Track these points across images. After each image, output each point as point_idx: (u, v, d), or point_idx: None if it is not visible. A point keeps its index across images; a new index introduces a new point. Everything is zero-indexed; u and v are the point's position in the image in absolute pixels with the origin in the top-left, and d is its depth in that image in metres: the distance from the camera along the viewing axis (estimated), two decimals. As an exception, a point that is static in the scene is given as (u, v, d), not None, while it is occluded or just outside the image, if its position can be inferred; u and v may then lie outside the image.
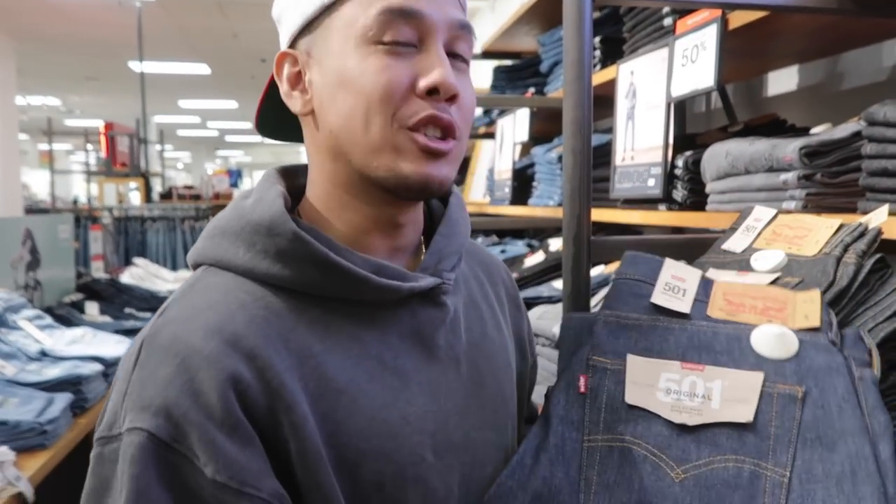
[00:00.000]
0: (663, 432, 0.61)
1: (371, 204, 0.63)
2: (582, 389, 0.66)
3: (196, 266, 0.64)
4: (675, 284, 0.70)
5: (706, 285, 0.69)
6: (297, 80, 0.64)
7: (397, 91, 0.59)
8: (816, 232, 0.80)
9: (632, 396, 0.64)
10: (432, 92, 0.59)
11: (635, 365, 0.65)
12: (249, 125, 15.30)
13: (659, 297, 0.69)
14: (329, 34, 0.61)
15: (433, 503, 0.61)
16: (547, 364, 1.31)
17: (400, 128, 0.59)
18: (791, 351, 0.62)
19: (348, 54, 0.60)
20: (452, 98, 0.60)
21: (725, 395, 0.61)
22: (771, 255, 0.81)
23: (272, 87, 0.70)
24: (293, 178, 0.70)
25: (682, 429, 0.61)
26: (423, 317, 0.64)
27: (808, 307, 0.65)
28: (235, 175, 12.31)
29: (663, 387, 0.63)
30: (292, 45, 0.65)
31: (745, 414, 0.60)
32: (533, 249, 1.96)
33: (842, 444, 0.57)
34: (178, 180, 18.93)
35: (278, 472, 0.54)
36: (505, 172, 2.31)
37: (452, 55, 0.62)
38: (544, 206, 1.98)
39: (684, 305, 0.68)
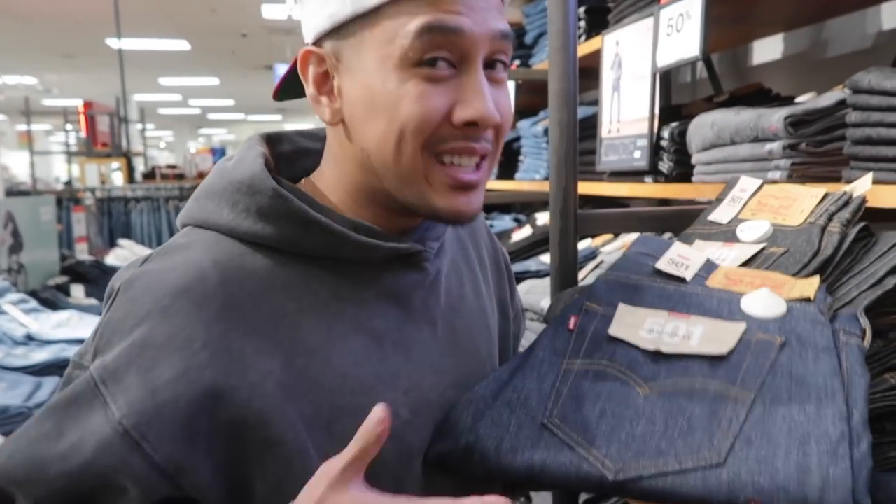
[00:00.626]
0: (638, 358, 0.65)
1: (387, 211, 0.64)
2: (570, 327, 0.69)
3: (183, 227, 0.65)
4: (679, 261, 0.73)
5: (710, 267, 0.72)
6: (323, 81, 0.62)
7: (433, 121, 0.57)
8: (801, 201, 0.80)
9: (615, 331, 0.67)
10: (471, 124, 0.58)
11: (625, 311, 0.69)
12: (232, 102, 15.10)
13: (663, 265, 0.73)
14: (363, 46, 0.58)
15: (409, 458, 0.62)
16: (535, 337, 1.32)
17: (431, 156, 0.59)
18: (778, 312, 0.65)
19: (385, 74, 0.57)
20: (493, 127, 0.60)
21: (705, 336, 0.64)
22: (756, 226, 0.81)
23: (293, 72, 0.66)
24: (276, 144, 0.70)
25: (657, 355, 0.64)
26: (404, 279, 0.65)
27: (806, 287, 0.67)
28: (219, 153, 12.16)
29: (647, 327, 0.67)
30: (317, 41, 0.61)
31: (720, 348, 0.62)
32: (520, 224, 1.96)
33: (812, 380, 0.59)
34: (161, 159, 18.69)
35: (232, 432, 0.54)
36: (491, 146, 2.29)
37: (492, 64, 0.60)
38: (531, 179, 1.98)
39: (685, 275, 0.72)
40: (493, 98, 0.59)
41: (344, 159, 0.63)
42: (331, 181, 0.65)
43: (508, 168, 2.20)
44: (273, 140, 0.70)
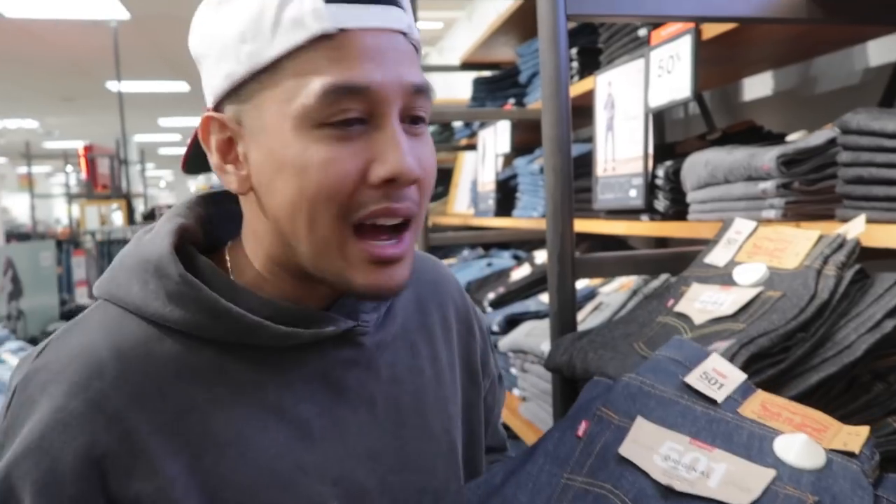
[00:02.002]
0: (646, 490, 0.57)
1: (308, 282, 0.58)
2: (580, 433, 0.63)
3: (97, 297, 0.60)
4: (713, 377, 0.65)
5: (747, 390, 0.64)
6: (228, 148, 0.57)
7: (348, 184, 0.52)
8: (796, 244, 0.81)
9: (627, 450, 0.60)
10: (390, 181, 0.53)
11: (642, 427, 0.62)
12: (231, 140, 15.22)
13: (693, 380, 0.65)
14: (263, 107, 0.53)
15: None
16: (536, 381, 1.32)
17: (348, 227, 0.54)
18: (815, 464, 0.56)
19: (288, 137, 0.52)
20: (413, 181, 0.54)
21: (726, 479, 0.56)
22: (752, 269, 0.82)
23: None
24: (221, 203, 0.65)
25: (668, 492, 0.57)
26: (333, 359, 0.60)
27: (851, 438, 0.59)
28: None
29: (663, 453, 0.59)
30: (217, 106, 0.57)
31: (741, 499, 0.54)
32: (519, 262, 1.96)
33: None
34: (161, 199, 18.80)
35: None
36: (488, 184, 2.32)
37: (411, 119, 0.56)
38: (528, 217, 1.99)
39: (717, 395, 0.63)
40: (414, 152, 0.54)
41: (258, 229, 0.58)
42: (250, 249, 0.60)
43: (506, 205, 2.21)
44: (218, 198, 0.65)
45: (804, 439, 0.57)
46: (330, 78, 0.51)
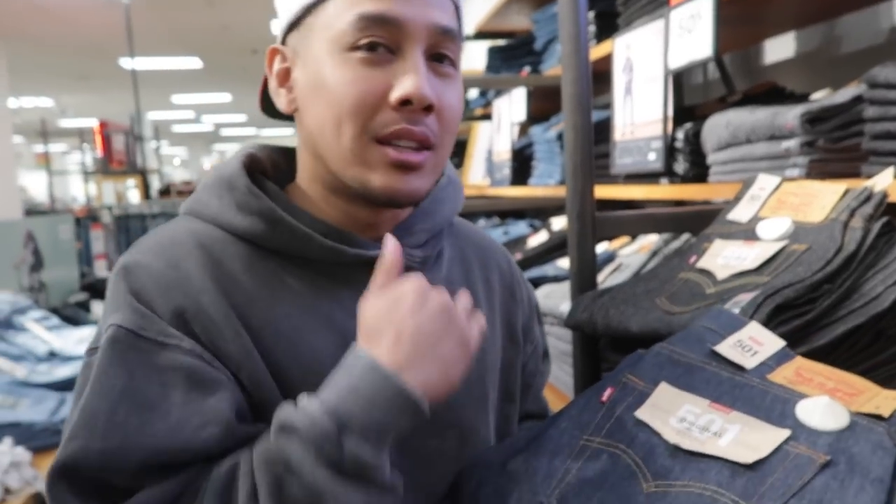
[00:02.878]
0: (656, 449, 0.59)
1: (349, 202, 0.65)
2: (604, 399, 0.65)
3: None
4: (748, 345, 0.65)
5: (784, 356, 0.64)
6: (285, 77, 0.65)
7: (369, 103, 0.59)
8: (822, 198, 0.80)
9: (643, 413, 0.62)
10: (406, 103, 0.59)
11: (664, 391, 0.63)
12: (244, 118, 15.23)
13: (724, 348, 0.65)
14: (311, 34, 0.61)
15: None
16: (555, 342, 1.32)
17: (371, 139, 0.60)
18: (836, 425, 0.55)
19: (325, 59, 0.60)
20: (429, 108, 0.60)
21: (738, 438, 0.57)
22: (777, 223, 0.81)
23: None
24: (281, 154, 0.73)
25: (676, 450, 0.58)
26: None
27: (885, 402, 0.57)
28: (232, 168, 12.24)
29: (680, 415, 0.60)
30: (283, 40, 0.65)
31: (747, 457, 0.55)
32: (535, 229, 1.96)
33: None
34: (176, 176, 18.88)
35: (238, 380, 0.58)
36: (504, 153, 2.30)
37: (437, 58, 0.61)
38: (545, 185, 1.98)
39: (747, 362, 0.63)
40: (436, 88, 0.60)
41: (302, 148, 0.67)
42: (301, 176, 0.68)
43: (522, 174, 2.20)
44: (280, 150, 0.73)
45: (826, 401, 0.56)
46: (363, 8, 0.58)
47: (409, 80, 0.58)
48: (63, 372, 1.88)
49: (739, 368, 0.63)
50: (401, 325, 0.56)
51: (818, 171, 1.03)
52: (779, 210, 0.84)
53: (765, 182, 0.89)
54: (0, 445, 1.40)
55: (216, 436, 0.55)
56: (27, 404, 1.65)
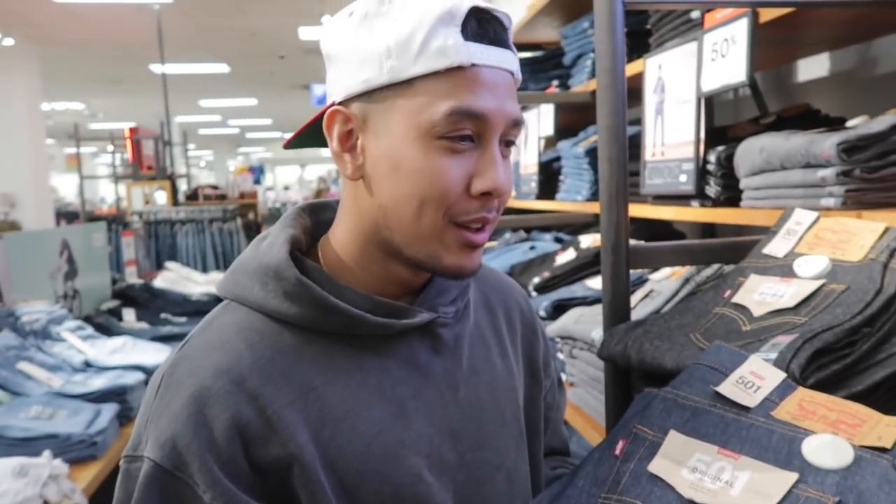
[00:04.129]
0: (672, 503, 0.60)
1: (391, 265, 0.67)
2: (617, 452, 0.66)
3: (221, 298, 0.70)
4: (750, 380, 0.67)
5: (786, 389, 0.65)
6: (347, 139, 0.66)
7: (454, 192, 0.62)
8: (861, 236, 0.79)
9: (656, 466, 0.63)
10: (486, 194, 0.63)
11: (674, 440, 0.64)
12: (269, 121, 15.38)
13: (726, 388, 0.66)
14: (392, 112, 0.62)
15: None
16: (585, 367, 1.32)
17: (449, 223, 0.63)
18: (841, 463, 0.56)
19: (409, 141, 0.62)
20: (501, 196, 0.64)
21: (748, 486, 0.58)
22: (814, 261, 0.81)
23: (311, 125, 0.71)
24: (318, 213, 0.75)
25: None
26: (421, 348, 0.69)
27: (887, 431, 0.58)
28: (258, 171, 12.40)
29: (691, 465, 0.61)
30: (345, 101, 0.65)
31: None
32: (564, 246, 1.96)
33: None
34: (202, 178, 19.11)
35: (283, 496, 0.60)
36: (530, 167, 2.30)
37: (505, 143, 0.65)
38: (572, 200, 1.98)
39: (750, 401, 0.65)
40: (505, 171, 0.64)
41: (358, 213, 0.67)
42: (343, 237, 0.69)
43: (549, 188, 2.20)
44: (317, 208, 0.75)
45: (830, 439, 0.58)
46: (456, 102, 0.61)
47: (491, 174, 0.62)
48: (97, 383, 1.92)
49: (743, 408, 0.64)
50: None
51: (855, 200, 1.02)
52: (816, 247, 0.83)
53: (801, 217, 0.88)
54: (39, 458, 1.44)
55: None
56: (63, 416, 1.69)
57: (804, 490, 0.56)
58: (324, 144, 0.74)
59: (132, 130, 6.41)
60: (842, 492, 0.54)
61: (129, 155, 6.58)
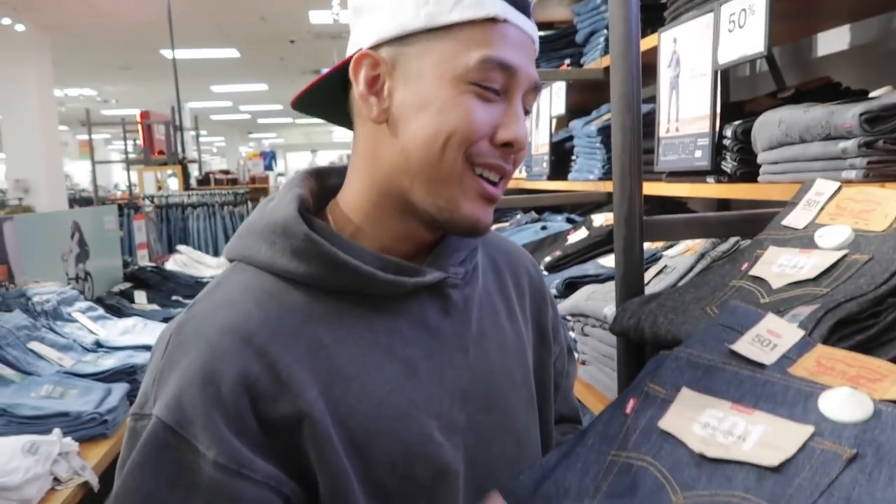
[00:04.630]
0: (682, 459, 0.59)
1: (403, 223, 0.67)
2: (628, 411, 0.66)
3: (230, 260, 0.70)
4: (767, 338, 0.65)
5: (804, 346, 0.63)
6: (373, 83, 0.65)
7: (480, 135, 0.63)
8: (885, 205, 0.77)
9: (666, 423, 0.62)
10: (507, 144, 0.64)
11: (686, 397, 0.63)
12: (280, 107, 15.38)
13: (742, 346, 0.65)
14: (424, 57, 0.63)
15: (441, 479, 0.65)
16: (597, 345, 1.30)
17: (469, 166, 0.64)
18: (860, 416, 0.54)
19: (442, 85, 0.63)
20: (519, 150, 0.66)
21: (762, 440, 0.56)
22: (836, 231, 0.78)
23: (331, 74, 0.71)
24: (324, 178, 0.74)
25: (702, 459, 0.58)
26: (431, 308, 0.68)
27: None
28: (269, 157, 12.41)
29: (703, 421, 0.60)
30: (375, 46, 0.65)
31: (772, 458, 0.54)
32: (575, 226, 1.93)
33: None
34: (214, 164, 19.17)
35: (292, 454, 0.60)
36: (542, 147, 2.27)
37: (524, 104, 0.67)
38: (584, 180, 1.95)
39: (766, 358, 0.63)
40: (525, 129, 0.66)
41: (375, 163, 0.67)
42: (354, 195, 0.69)
43: (560, 168, 2.17)
44: (322, 174, 0.75)
45: (848, 391, 0.56)
46: (490, 51, 0.62)
47: (514, 126, 0.64)
48: (108, 363, 1.92)
49: (759, 365, 0.62)
50: None
51: (878, 172, 0.99)
52: (838, 217, 0.81)
53: (822, 187, 0.85)
54: (50, 436, 1.44)
55: None
56: (74, 395, 1.69)
57: (820, 443, 0.54)
58: (330, 117, 0.75)
59: (143, 115, 6.43)
60: (860, 444, 0.52)
61: (140, 140, 6.60)
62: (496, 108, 0.64)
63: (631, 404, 0.66)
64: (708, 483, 0.56)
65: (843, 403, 0.55)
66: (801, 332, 0.63)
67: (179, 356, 0.60)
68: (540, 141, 2.31)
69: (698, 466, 0.57)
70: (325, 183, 0.74)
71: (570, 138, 2.12)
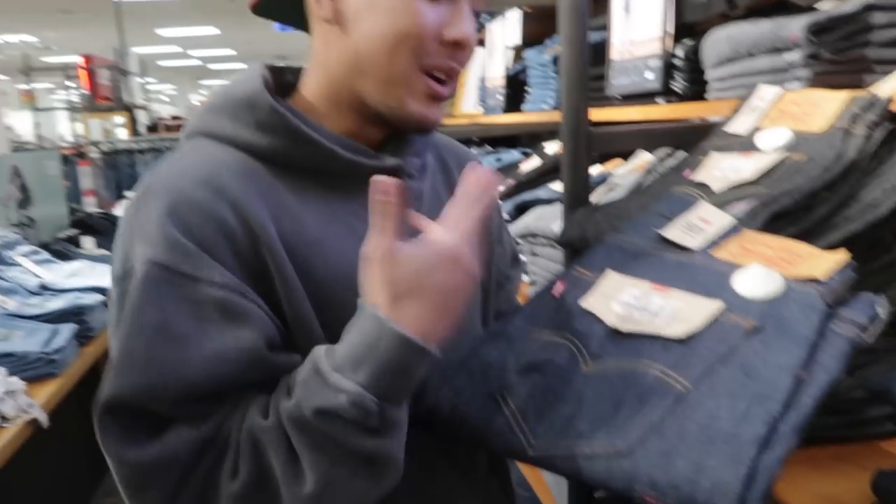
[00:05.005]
0: (596, 334, 0.62)
1: (358, 120, 0.69)
2: (556, 294, 0.68)
3: (188, 140, 0.69)
4: (697, 224, 0.67)
5: (732, 232, 0.65)
6: None
7: (428, 35, 0.64)
8: (824, 107, 0.77)
9: (588, 302, 0.64)
10: (457, 44, 0.65)
11: (609, 279, 0.66)
12: (233, 52, 14.85)
13: (671, 232, 0.67)
14: None
15: None
16: (546, 264, 1.31)
17: (419, 68, 0.64)
18: (768, 293, 0.57)
19: None
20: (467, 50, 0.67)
21: (674, 315, 0.59)
22: (776, 134, 0.78)
23: None
24: (279, 74, 0.74)
25: (616, 334, 0.61)
26: None
27: (823, 263, 0.58)
28: (223, 105, 12.02)
29: (622, 300, 0.63)
30: None
31: (679, 331, 0.57)
32: (528, 155, 1.93)
33: (762, 375, 0.52)
34: (164, 113, 18.54)
35: (267, 299, 0.61)
36: (497, 80, 2.24)
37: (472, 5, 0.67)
38: (538, 111, 1.93)
39: (693, 242, 0.65)
40: (473, 29, 0.66)
41: (328, 62, 0.68)
42: (314, 89, 0.69)
43: (515, 101, 2.14)
44: (277, 70, 0.74)
45: (760, 270, 0.59)
46: None
47: (462, 25, 0.64)
48: (55, 304, 1.87)
49: (686, 250, 0.65)
50: (425, 289, 0.56)
51: (821, 83, 0.99)
52: (779, 121, 0.81)
53: (765, 93, 0.85)
54: (-7, 374, 1.40)
55: (249, 365, 0.58)
56: (20, 336, 1.65)
57: (728, 317, 0.57)
58: (289, 20, 0.75)
59: (86, 59, 6.14)
60: (764, 318, 0.55)
61: (84, 86, 6.32)
62: (443, 8, 0.64)
63: (559, 287, 0.68)
64: (617, 353, 0.60)
65: (754, 281, 0.58)
66: (732, 219, 0.65)
67: (154, 207, 0.59)
68: (495, 73, 2.27)
69: (612, 340, 0.61)
70: (280, 79, 0.73)
71: (524, 70, 2.09)
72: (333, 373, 0.55)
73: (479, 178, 0.59)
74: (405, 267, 0.56)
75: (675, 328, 0.58)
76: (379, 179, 0.56)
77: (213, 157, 0.64)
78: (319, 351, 0.57)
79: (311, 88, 0.70)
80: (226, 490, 0.56)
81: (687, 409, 0.53)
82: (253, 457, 0.56)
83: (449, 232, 0.57)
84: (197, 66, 17.08)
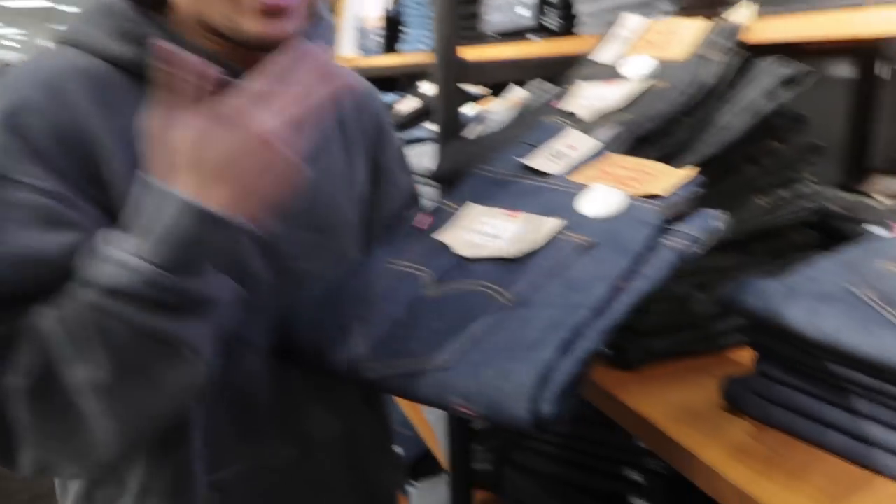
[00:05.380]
0: (443, 262, 0.63)
1: (224, 40, 0.64)
2: (424, 227, 0.68)
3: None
4: (562, 151, 0.67)
5: (595, 156, 0.65)
6: None
7: None
8: (684, 35, 0.78)
9: (441, 234, 0.65)
10: None
11: (468, 210, 0.66)
12: (87, -9, 13.54)
13: (534, 160, 0.67)
14: None
15: (248, 283, 0.63)
16: (426, 203, 1.29)
17: None
18: (610, 211, 0.59)
19: None
20: None
21: (515, 236, 0.61)
22: (640, 62, 0.79)
23: None
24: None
25: (463, 260, 0.62)
26: None
27: (669, 180, 0.60)
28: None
29: (475, 228, 0.63)
30: None
31: (516, 250, 0.59)
32: (404, 96, 1.88)
33: (580, 286, 0.54)
34: (10, 59, 16.73)
35: (106, 215, 0.59)
36: (373, 20, 2.16)
37: None
38: (416, 51, 1.88)
39: (554, 168, 0.66)
40: None
41: None
42: (182, 7, 0.65)
43: (392, 42, 2.08)
44: None
45: (602, 189, 0.60)
46: None
47: None
48: None
49: (547, 175, 0.66)
50: (219, 168, 0.52)
51: (686, 15, 1.02)
52: (644, 50, 0.82)
53: (631, 22, 0.86)
54: None
55: (54, 271, 0.55)
56: None
57: (567, 235, 0.58)
58: None
59: None
60: (600, 234, 0.57)
61: None
62: None
63: (426, 220, 0.68)
64: (458, 276, 0.61)
65: (596, 200, 0.60)
66: (598, 144, 0.66)
67: (2, 108, 0.57)
68: (371, 13, 2.19)
69: (458, 266, 0.62)
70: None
71: (400, 12, 2.03)
72: (107, 247, 0.51)
73: (318, 66, 0.55)
74: (196, 145, 0.52)
75: (514, 248, 0.59)
76: (161, 45, 0.52)
77: (67, 63, 0.62)
78: (98, 233, 0.54)
79: (180, 6, 0.65)
80: (12, 384, 0.52)
81: (505, 321, 0.54)
82: (40, 350, 0.52)
83: (270, 116, 0.53)
84: (45, 7, 15.47)
